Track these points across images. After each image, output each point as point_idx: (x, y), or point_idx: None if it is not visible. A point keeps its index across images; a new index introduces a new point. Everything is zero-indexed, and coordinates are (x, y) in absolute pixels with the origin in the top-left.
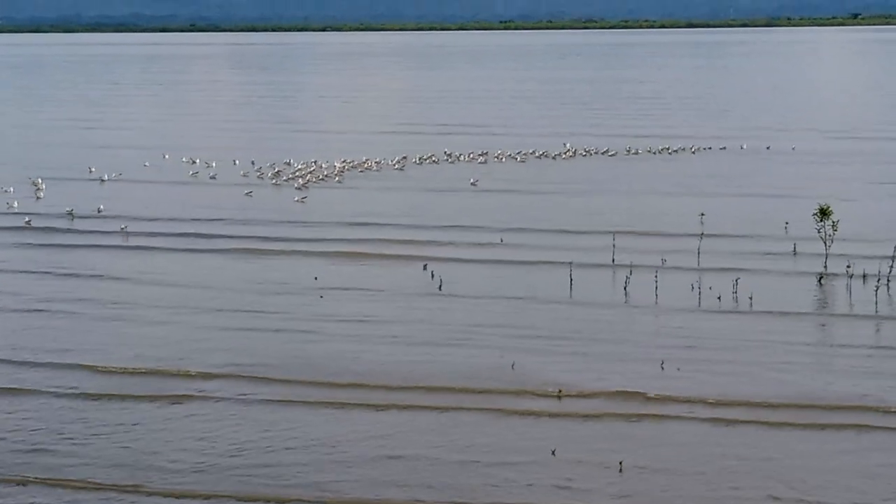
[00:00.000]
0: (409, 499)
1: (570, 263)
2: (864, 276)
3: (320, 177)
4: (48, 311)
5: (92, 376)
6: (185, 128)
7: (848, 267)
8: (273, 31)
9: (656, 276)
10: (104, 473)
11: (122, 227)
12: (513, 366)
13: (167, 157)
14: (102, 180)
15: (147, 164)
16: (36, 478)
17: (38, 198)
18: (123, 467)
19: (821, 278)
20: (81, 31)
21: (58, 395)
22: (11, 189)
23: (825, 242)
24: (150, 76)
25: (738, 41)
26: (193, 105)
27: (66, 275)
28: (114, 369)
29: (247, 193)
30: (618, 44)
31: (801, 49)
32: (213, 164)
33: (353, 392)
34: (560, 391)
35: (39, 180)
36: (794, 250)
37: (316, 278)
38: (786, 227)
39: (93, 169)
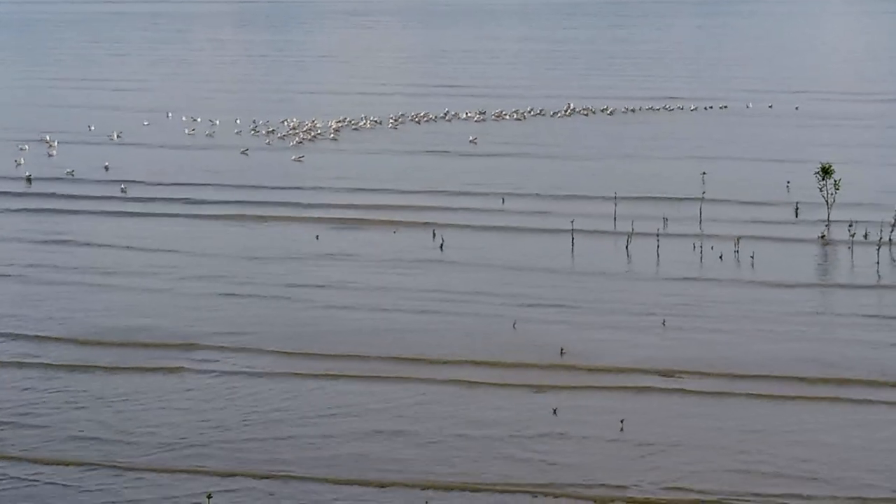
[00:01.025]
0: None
1: (572, 222)
2: (866, 236)
3: (313, 135)
4: (28, 277)
5: (76, 347)
6: (188, 87)
7: (850, 227)
8: None
9: (658, 237)
10: (79, 448)
11: (122, 188)
12: (514, 325)
13: (170, 115)
14: (110, 138)
15: (146, 122)
16: (7, 455)
17: (49, 155)
18: (104, 441)
19: (822, 237)
20: None
21: (33, 367)
22: (26, 147)
23: (827, 201)
24: (153, 35)
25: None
26: (196, 64)
27: (57, 241)
28: (90, 341)
29: (242, 152)
30: (621, 2)
31: (805, 10)
32: (217, 123)
33: (347, 363)
34: (562, 350)
35: (48, 137)
36: (796, 210)
37: (317, 237)
38: (787, 187)
39: (92, 127)
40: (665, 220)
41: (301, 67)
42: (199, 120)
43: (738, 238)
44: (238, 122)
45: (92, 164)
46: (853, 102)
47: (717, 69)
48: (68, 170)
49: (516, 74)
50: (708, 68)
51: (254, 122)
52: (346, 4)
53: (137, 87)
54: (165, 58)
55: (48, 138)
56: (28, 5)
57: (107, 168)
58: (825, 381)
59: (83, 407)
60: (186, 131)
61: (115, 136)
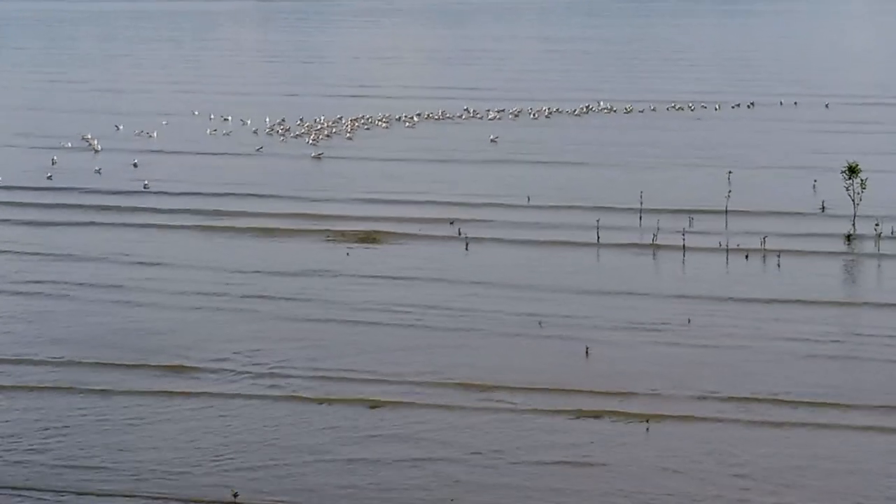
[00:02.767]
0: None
1: (597, 221)
2: (893, 233)
3: (327, 133)
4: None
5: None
6: (213, 87)
7: (876, 226)
8: None
9: (684, 236)
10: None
11: (144, 183)
12: (540, 323)
13: (196, 113)
14: (149, 135)
15: (165, 122)
16: None
17: (95, 151)
18: (91, 469)
19: (849, 237)
20: None
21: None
22: (69, 143)
23: (853, 200)
24: (169, 34)
25: None
26: (219, 64)
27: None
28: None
29: (257, 150)
30: (640, 1)
31: (832, 8)
32: (248, 122)
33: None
34: (587, 348)
35: (90, 135)
36: (823, 208)
37: (347, 254)
38: (814, 186)
39: (120, 127)
40: (691, 218)
41: (321, 67)
42: (228, 119)
43: (765, 245)
44: (267, 120)
45: (123, 164)
46: (882, 100)
47: (739, 67)
48: (96, 168)
49: (536, 73)
50: (731, 66)
51: (266, 120)
52: (368, 3)
53: (151, 88)
54: (183, 57)
55: (90, 136)
56: (42, 3)
57: (135, 165)
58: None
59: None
60: (208, 131)
61: (154, 134)
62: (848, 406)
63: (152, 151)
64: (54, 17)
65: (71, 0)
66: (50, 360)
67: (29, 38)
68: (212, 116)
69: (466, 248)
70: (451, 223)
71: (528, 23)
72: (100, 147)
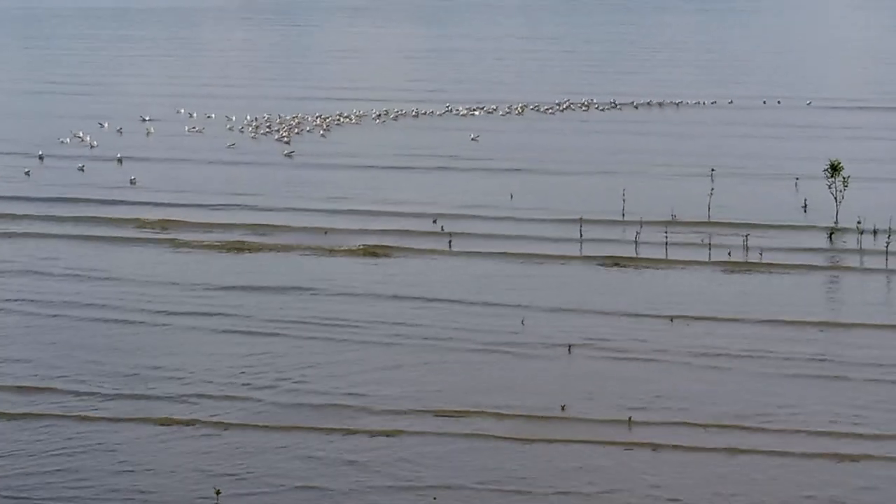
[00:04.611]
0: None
1: (580, 219)
2: (875, 233)
3: (298, 131)
4: None
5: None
6: (197, 83)
7: (858, 223)
8: None
9: (666, 232)
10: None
11: (132, 178)
12: (522, 322)
13: (182, 111)
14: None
15: (147, 117)
16: None
17: (91, 146)
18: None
19: (831, 234)
20: None
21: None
22: (67, 139)
23: (836, 198)
24: (153, 33)
25: None
26: (206, 61)
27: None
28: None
29: (229, 146)
30: None
31: (814, 4)
32: (232, 118)
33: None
34: (570, 347)
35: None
36: (805, 205)
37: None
38: (796, 184)
39: (105, 124)
40: (674, 215)
41: (303, 64)
42: (213, 116)
43: (747, 235)
44: (247, 117)
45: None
46: (866, 99)
47: (720, 65)
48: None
49: (518, 71)
50: (712, 64)
51: (247, 118)
52: (350, 1)
53: (149, 83)
54: (175, 55)
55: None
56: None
57: (119, 160)
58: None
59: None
60: (187, 128)
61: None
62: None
63: (140, 158)
64: (32, 15)
65: None
66: None
67: (4, 36)
68: (193, 114)
69: (450, 246)
70: (434, 221)
71: (510, 20)
72: (95, 143)
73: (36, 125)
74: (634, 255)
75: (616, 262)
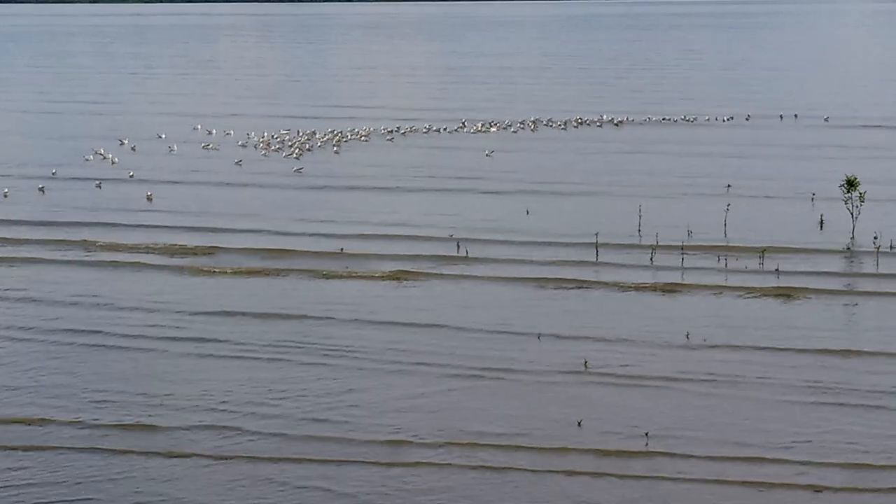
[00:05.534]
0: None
1: (596, 234)
2: (892, 248)
3: (309, 146)
4: None
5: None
6: (209, 99)
7: (875, 239)
8: (294, 0)
9: (682, 249)
10: None
11: (148, 193)
12: (539, 337)
13: (199, 127)
14: (134, 148)
15: (163, 135)
16: None
17: (113, 162)
18: None
19: (848, 250)
20: (96, 2)
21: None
22: (90, 157)
23: (852, 214)
24: (168, 50)
25: (763, 12)
26: (219, 79)
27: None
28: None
29: (236, 162)
30: (636, 15)
31: (831, 20)
32: (251, 135)
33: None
34: (586, 363)
35: (103, 150)
36: (821, 222)
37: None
38: (812, 199)
39: (125, 141)
40: (690, 232)
41: (318, 81)
42: (231, 133)
43: (763, 251)
44: (265, 134)
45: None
46: (884, 115)
47: (736, 82)
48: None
49: (531, 87)
50: (728, 80)
51: (265, 134)
52: (364, 18)
53: (165, 100)
54: (190, 72)
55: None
56: (47, 17)
57: (131, 175)
58: None
59: None
60: (202, 146)
61: (132, 146)
62: None
63: (159, 181)
64: (48, 31)
65: (70, 14)
66: None
67: (22, 53)
68: (212, 131)
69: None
70: (455, 242)
71: (527, 37)
72: (116, 160)
73: (56, 144)
74: (651, 280)
75: (635, 286)
